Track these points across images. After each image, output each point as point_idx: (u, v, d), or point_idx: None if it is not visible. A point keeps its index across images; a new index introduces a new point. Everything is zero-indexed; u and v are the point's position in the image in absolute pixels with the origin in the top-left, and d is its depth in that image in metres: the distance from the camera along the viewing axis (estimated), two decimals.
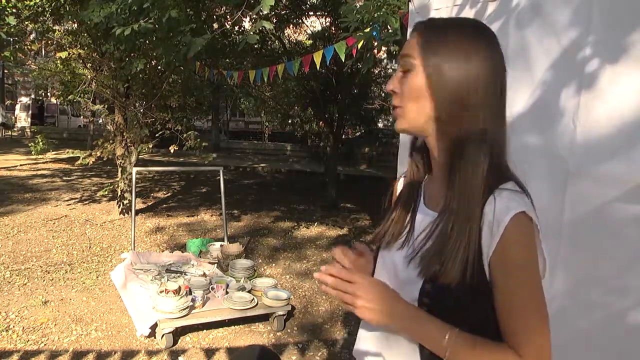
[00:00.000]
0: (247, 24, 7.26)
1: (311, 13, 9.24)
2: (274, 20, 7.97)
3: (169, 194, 8.95)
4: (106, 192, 6.89)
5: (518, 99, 1.65)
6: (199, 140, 6.54)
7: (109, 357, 3.04)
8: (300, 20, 9.22)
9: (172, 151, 6.31)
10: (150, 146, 6.62)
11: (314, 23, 10.20)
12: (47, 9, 6.07)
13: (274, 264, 5.11)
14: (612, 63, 1.46)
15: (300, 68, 3.95)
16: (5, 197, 7.58)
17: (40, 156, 8.21)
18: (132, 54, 5.71)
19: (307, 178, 12.95)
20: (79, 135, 19.45)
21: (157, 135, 6.76)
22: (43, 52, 10.73)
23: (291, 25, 9.37)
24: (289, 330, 3.57)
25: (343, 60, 3.77)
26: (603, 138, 1.48)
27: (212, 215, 7.16)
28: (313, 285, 4.42)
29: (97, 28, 4.99)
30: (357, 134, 16.38)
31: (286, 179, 13.07)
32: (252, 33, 3.29)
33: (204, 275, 3.97)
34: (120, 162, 6.54)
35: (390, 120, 15.73)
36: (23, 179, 9.50)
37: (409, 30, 2.12)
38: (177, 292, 3.21)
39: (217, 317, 3.36)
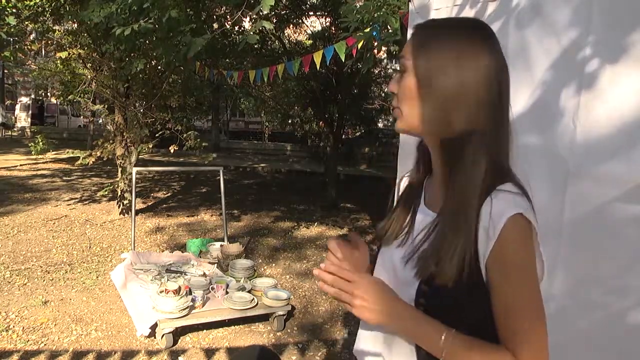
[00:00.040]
0: (247, 24, 7.25)
1: (311, 13, 9.23)
2: (274, 20, 7.96)
3: (169, 194, 8.95)
4: (106, 192, 6.89)
5: (518, 99, 1.65)
6: (199, 140, 6.54)
7: (109, 357, 3.04)
8: (300, 20, 9.21)
9: (172, 151, 6.31)
10: (150, 146, 6.62)
11: (314, 23, 10.19)
12: (47, 9, 6.07)
13: (274, 264, 5.11)
14: (612, 63, 1.46)
15: (300, 68, 3.95)
16: (5, 197, 7.58)
17: (40, 156, 8.21)
18: (132, 54, 5.71)
19: (307, 178, 12.94)
20: (79, 135, 19.44)
21: (157, 135, 6.76)
22: (43, 52, 10.71)
23: (291, 25, 9.36)
24: (289, 330, 3.57)
25: (343, 60, 3.77)
26: (603, 138, 1.48)
27: (212, 215, 7.16)
28: (313, 285, 4.42)
29: (97, 28, 4.99)
30: (357, 134, 16.37)
31: (286, 179, 13.06)
32: (252, 33, 3.29)
33: (204, 275, 3.97)
34: (120, 162, 6.54)
35: (390, 120, 15.73)
36: (23, 179, 9.50)
37: (409, 30, 2.12)
38: (177, 292, 3.21)
39: (217, 317, 3.36)
